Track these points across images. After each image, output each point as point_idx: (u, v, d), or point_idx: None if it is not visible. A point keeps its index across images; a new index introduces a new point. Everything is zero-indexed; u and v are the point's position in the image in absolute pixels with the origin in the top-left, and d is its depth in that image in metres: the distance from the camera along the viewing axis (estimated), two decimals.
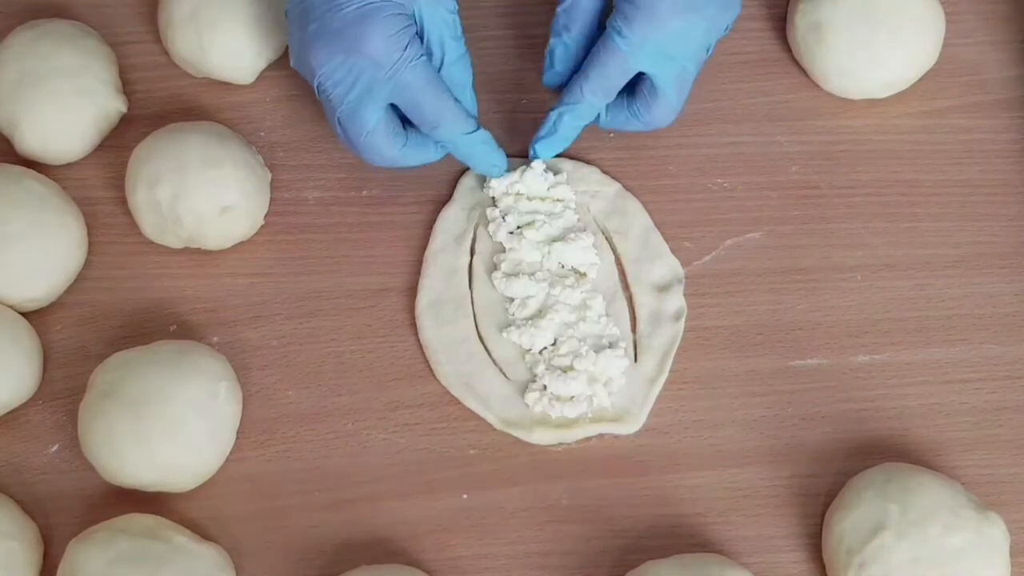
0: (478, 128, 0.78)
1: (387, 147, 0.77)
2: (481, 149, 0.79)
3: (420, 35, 0.76)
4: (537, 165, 0.82)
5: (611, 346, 0.77)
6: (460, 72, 0.78)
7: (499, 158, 0.80)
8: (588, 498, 0.75)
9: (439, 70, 0.77)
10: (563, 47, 0.79)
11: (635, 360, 0.78)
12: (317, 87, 0.76)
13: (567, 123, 0.79)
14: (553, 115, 0.79)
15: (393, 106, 0.76)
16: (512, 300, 0.79)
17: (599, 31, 0.78)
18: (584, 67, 0.77)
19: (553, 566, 0.73)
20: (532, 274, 0.79)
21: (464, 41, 0.78)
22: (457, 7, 0.77)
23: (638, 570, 0.71)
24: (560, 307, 0.78)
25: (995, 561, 0.70)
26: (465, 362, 0.78)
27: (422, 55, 0.75)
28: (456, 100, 0.77)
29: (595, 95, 0.78)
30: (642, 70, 0.76)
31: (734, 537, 0.74)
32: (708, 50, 0.78)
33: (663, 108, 0.78)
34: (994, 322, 0.79)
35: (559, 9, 0.78)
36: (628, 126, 0.80)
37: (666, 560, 0.71)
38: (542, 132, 0.80)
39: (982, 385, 0.78)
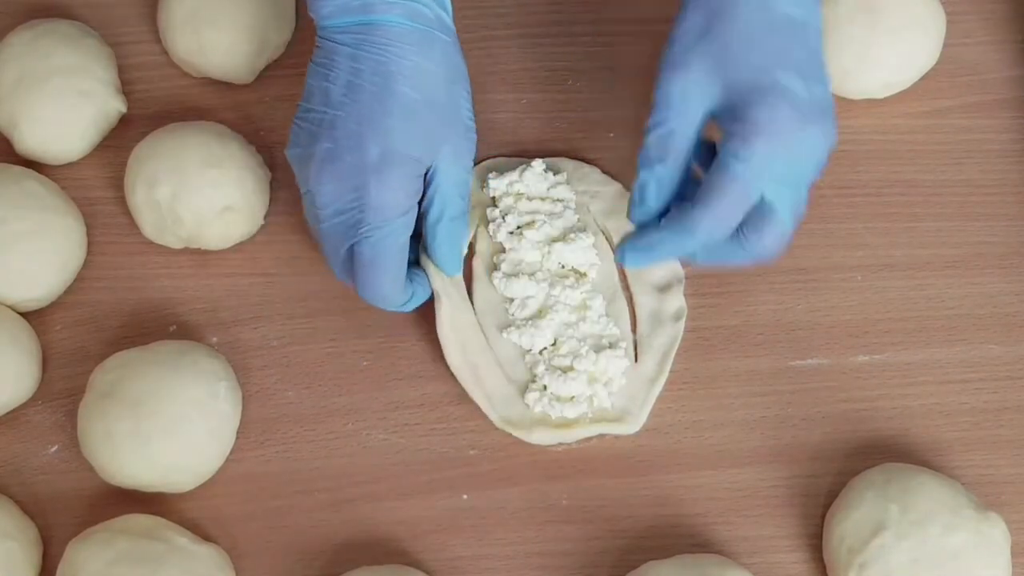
0: (408, 301, 0.76)
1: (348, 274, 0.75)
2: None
3: (426, 186, 0.74)
4: (537, 164, 0.82)
5: (611, 346, 0.77)
6: (457, 228, 0.76)
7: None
8: (588, 498, 0.75)
9: (437, 222, 0.75)
10: (656, 181, 0.70)
11: (635, 360, 0.78)
12: (306, 194, 0.73)
13: (668, 248, 0.71)
14: (654, 236, 0.71)
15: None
16: (512, 300, 0.79)
17: (698, 160, 0.71)
18: (699, 199, 0.68)
19: (553, 566, 0.73)
20: (532, 274, 0.79)
21: (469, 200, 0.76)
22: (472, 166, 0.75)
23: (638, 570, 0.71)
24: (560, 307, 0.78)
25: (995, 561, 0.70)
26: (476, 354, 0.77)
27: (413, 217, 0.73)
28: (403, 279, 0.74)
29: (713, 230, 0.69)
30: (762, 196, 0.69)
31: (734, 537, 0.74)
32: (819, 169, 0.70)
33: (777, 236, 0.70)
34: (994, 322, 0.79)
35: (649, 139, 0.70)
36: (731, 258, 0.71)
37: (666, 560, 0.71)
38: (636, 242, 0.72)
39: (982, 385, 0.78)
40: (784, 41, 0.69)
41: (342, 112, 0.71)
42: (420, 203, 0.74)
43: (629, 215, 0.72)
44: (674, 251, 0.72)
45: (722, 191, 0.68)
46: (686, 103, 0.69)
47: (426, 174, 0.74)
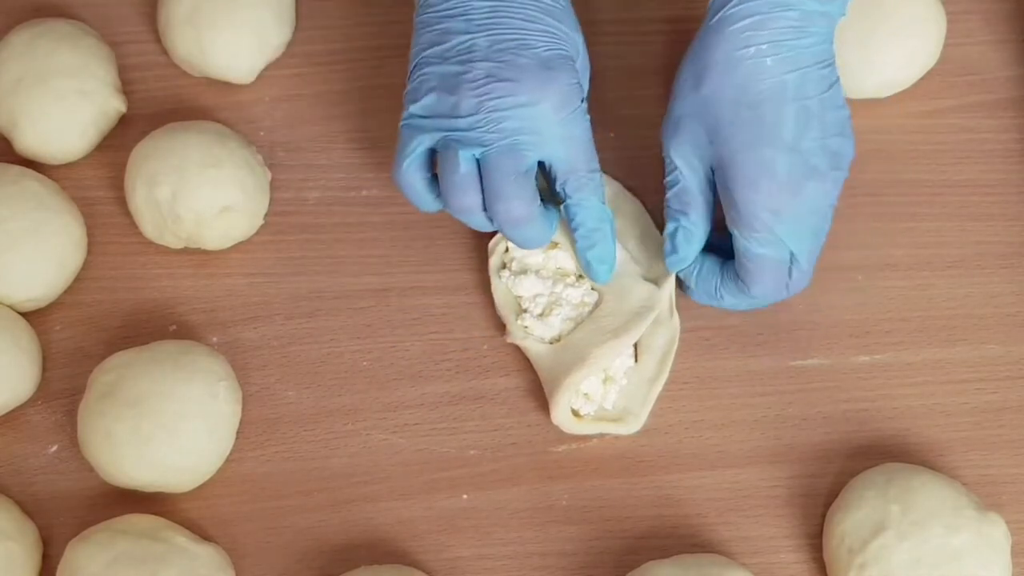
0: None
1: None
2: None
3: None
4: None
5: None
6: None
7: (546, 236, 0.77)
8: (588, 498, 0.75)
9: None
10: (684, 231, 0.74)
11: (635, 360, 0.78)
12: (463, 130, 0.72)
13: (721, 300, 0.76)
14: (714, 283, 0.76)
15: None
16: (521, 298, 0.79)
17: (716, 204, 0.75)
18: (740, 278, 0.74)
19: (553, 566, 0.73)
20: (537, 271, 0.79)
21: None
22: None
23: (638, 570, 0.71)
24: (564, 303, 0.78)
25: (996, 562, 0.70)
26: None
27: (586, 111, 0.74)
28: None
29: (763, 296, 0.74)
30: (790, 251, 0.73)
31: (734, 537, 0.74)
32: (828, 216, 0.73)
33: (802, 278, 0.74)
34: (995, 322, 0.79)
35: (669, 195, 0.74)
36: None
37: (666, 560, 0.71)
38: (686, 268, 0.76)
39: (983, 385, 0.78)
40: (771, 115, 0.70)
41: (493, 32, 0.72)
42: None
43: (667, 265, 0.76)
44: (724, 302, 0.76)
45: (754, 274, 0.73)
46: (690, 163, 0.73)
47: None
